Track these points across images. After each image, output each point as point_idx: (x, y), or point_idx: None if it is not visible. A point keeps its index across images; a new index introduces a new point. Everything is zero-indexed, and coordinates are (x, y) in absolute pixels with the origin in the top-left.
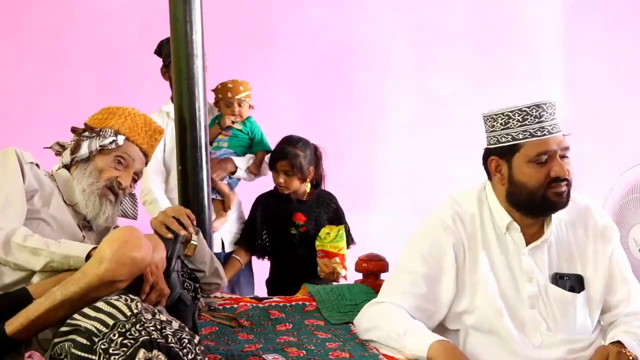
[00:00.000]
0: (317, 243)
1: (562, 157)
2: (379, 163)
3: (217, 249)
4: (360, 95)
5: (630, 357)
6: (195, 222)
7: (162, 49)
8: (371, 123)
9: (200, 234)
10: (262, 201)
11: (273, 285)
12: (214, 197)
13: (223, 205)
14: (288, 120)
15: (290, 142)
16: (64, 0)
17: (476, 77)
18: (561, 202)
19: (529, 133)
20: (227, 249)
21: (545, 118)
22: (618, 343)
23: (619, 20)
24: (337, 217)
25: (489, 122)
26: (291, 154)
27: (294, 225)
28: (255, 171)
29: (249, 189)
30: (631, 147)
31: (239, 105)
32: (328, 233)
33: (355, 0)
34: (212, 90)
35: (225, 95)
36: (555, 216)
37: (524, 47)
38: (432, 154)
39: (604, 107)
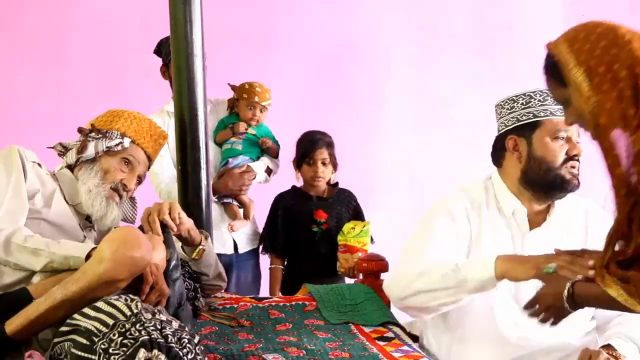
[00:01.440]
0: (339, 238)
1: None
2: (379, 163)
3: (230, 250)
4: (360, 95)
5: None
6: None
7: (161, 48)
8: (371, 123)
9: (209, 239)
10: (282, 200)
11: (291, 284)
12: (230, 201)
13: (238, 210)
14: (288, 120)
15: (318, 132)
16: (63, 0)
17: (476, 77)
18: (573, 182)
19: (549, 112)
20: (241, 250)
21: None
22: (608, 346)
23: (618, 20)
24: (357, 215)
25: (508, 104)
26: (326, 142)
27: (315, 223)
28: (273, 149)
29: (258, 189)
30: None
31: (261, 111)
32: (353, 228)
33: (355, 0)
34: (233, 87)
35: (251, 97)
36: (558, 211)
37: (524, 47)
38: (432, 154)
39: None
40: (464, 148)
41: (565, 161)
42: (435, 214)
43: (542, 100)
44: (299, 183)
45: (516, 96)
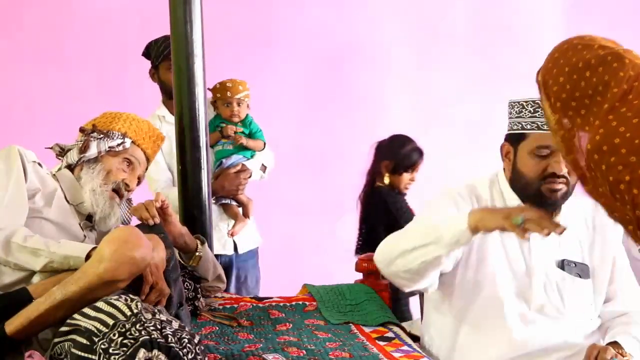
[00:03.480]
0: None
1: None
2: None
3: (230, 251)
4: (360, 95)
5: (625, 357)
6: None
7: (150, 51)
8: (371, 123)
9: (206, 244)
10: (401, 200)
11: None
12: (228, 202)
13: (238, 210)
14: (288, 120)
15: (412, 139)
16: (64, 0)
17: (476, 77)
18: (554, 198)
19: (536, 125)
20: (241, 251)
21: None
22: (615, 343)
23: (619, 20)
24: None
25: (509, 108)
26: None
27: None
28: (254, 147)
29: (255, 187)
30: None
31: (238, 105)
32: None
33: (355, 0)
34: (210, 89)
35: (224, 95)
36: (565, 209)
37: (524, 47)
38: (432, 154)
39: None
40: (464, 148)
41: (545, 178)
42: (441, 199)
43: (532, 111)
44: (384, 182)
45: (513, 102)
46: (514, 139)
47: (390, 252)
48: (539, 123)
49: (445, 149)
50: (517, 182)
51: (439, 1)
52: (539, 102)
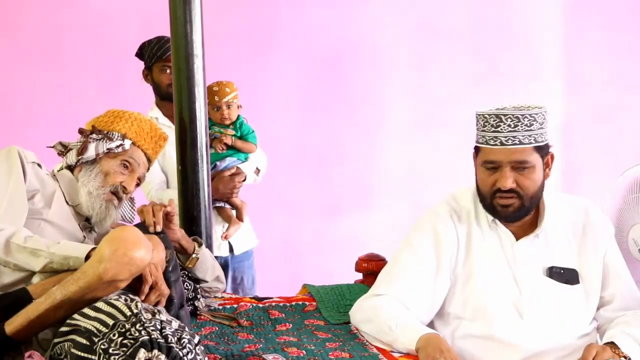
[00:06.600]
0: None
1: (518, 169)
2: (379, 163)
3: (225, 252)
4: (360, 95)
5: (623, 357)
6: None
7: (143, 52)
8: (371, 123)
9: (203, 246)
10: None
11: None
12: (222, 205)
13: (232, 213)
14: (288, 120)
15: None
16: (64, 0)
17: (476, 77)
18: (505, 213)
19: (484, 140)
20: (237, 252)
21: (502, 129)
22: (612, 344)
23: (618, 20)
24: None
25: (476, 119)
26: None
27: None
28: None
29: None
30: (631, 147)
31: (228, 107)
32: None
33: (355, 0)
34: None
35: (211, 99)
36: (551, 213)
37: (524, 47)
38: (432, 154)
39: (603, 107)
40: (464, 148)
41: (495, 192)
42: (419, 233)
43: (482, 125)
44: None
45: (478, 115)
46: (476, 151)
47: (358, 323)
48: (487, 137)
49: (445, 149)
50: (478, 194)
51: (439, 1)
52: (487, 116)
